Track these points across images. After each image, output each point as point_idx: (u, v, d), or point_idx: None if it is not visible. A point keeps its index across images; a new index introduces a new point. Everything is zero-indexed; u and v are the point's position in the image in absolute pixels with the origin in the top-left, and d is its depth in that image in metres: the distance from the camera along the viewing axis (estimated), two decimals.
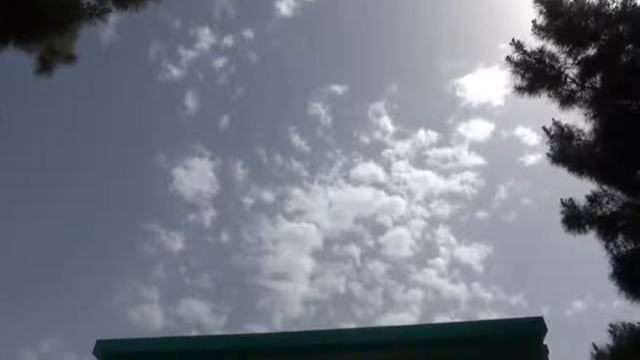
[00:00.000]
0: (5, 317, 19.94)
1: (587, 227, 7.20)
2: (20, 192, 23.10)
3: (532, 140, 25.89)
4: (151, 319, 22.67)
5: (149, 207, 27.15)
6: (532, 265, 23.44)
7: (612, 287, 6.63)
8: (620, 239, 6.84)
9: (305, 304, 24.23)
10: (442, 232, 25.84)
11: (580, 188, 7.50)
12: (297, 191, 27.33)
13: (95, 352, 6.88)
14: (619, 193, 7.13)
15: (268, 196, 26.99)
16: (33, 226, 23.06)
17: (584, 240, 7.31)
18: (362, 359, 6.51)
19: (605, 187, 7.18)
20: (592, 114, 7.26)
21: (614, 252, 6.77)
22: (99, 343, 6.98)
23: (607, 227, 6.95)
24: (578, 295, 23.24)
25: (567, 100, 7.47)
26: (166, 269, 24.17)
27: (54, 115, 24.72)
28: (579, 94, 7.42)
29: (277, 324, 24.92)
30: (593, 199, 7.26)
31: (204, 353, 6.92)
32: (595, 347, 6.42)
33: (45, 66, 6.18)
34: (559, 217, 7.40)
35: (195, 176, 26.05)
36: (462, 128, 28.17)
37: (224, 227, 26.68)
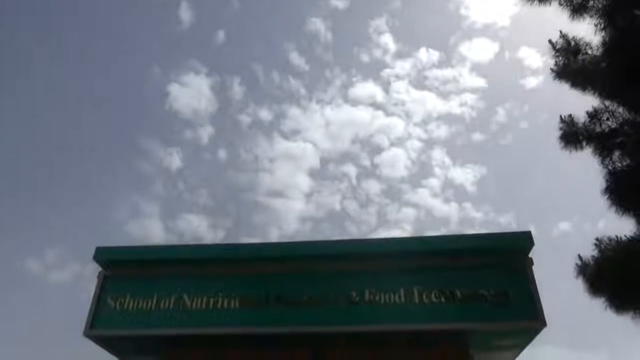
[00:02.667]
0: (10, 230, 20.46)
1: (584, 143, 7.16)
2: (19, 112, 22.65)
3: (536, 62, 25.12)
4: (151, 232, 23.30)
5: (145, 124, 26.82)
6: (522, 187, 23.81)
7: (597, 208, 6.69)
8: (616, 155, 6.82)
9: (301, 221, 24.82)
10: (438, 154, 25.90)
11: (578, 112, 7.36)
12: (294, 110, 26.91)
13: (95, 258, 7.11)
14: (620, 109, 7.00)
15: (265, 114, 26.62)
16: (34, 146, 22.93)
17: (575, 164, 7.26)
18: (351, 269, 6.71)
19: (607, 103, 7.04)
20: (602, 25, 6.91)
21: (609, 167, 6.78)
22: (99, 250, 7.19)
23: (604, 143, 6.90)
24: (564, 217, 23.88)
25: (578, 9, 7.09)
26: (164, 185, 24.45)
27: (49, 31, 23.55)
28: (591, 2, 7.02)
29: (274, 239, 25.67)
30: (593, 115, 7.14)
31: (201, 261, 7.12)
32: (580, 258, 6.64)
33: None
34: (555, 139, 7.32)
35: (192, 93, 25.46)
36: (464, 48, 27.23)
37: (221, 144, 26.57)
